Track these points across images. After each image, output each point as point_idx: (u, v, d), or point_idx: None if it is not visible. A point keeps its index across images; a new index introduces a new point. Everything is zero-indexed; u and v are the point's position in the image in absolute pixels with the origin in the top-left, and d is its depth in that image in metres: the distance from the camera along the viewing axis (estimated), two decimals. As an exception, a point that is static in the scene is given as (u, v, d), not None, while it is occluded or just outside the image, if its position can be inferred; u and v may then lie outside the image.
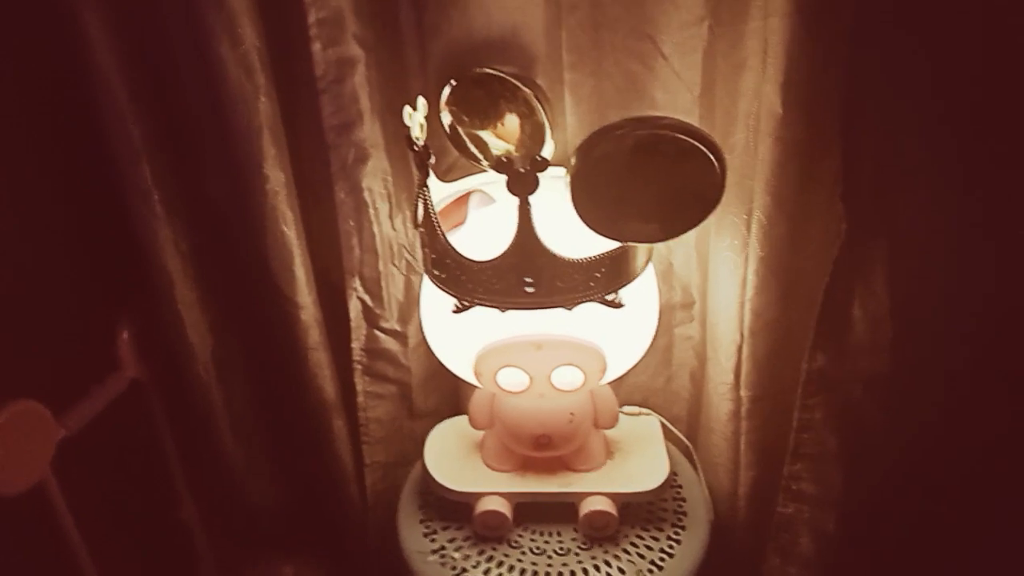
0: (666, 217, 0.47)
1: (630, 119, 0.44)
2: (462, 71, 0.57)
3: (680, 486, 0.66)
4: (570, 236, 0.49)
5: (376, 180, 0.65)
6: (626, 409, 0.67)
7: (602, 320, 0.52)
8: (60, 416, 0.64)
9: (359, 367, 0.73)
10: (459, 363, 0.56)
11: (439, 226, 0.50)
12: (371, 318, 0.71)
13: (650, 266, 0.56)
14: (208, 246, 0.70)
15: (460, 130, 0.58)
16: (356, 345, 0.72)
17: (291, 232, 0.65)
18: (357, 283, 0.69)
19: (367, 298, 0.70)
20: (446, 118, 0.57)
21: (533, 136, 0.57)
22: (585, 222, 0.47)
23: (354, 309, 0.70)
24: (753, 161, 0.52)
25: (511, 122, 0.57)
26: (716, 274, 0.60)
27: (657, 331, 0.63)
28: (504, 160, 0.45)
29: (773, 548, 0.64)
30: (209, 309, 0.72)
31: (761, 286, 0.54)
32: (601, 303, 0.51)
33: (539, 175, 0.45)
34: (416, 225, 0.53)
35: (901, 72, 0.45)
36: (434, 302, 0.55)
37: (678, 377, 0.73)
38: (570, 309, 0.50)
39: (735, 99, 0.52)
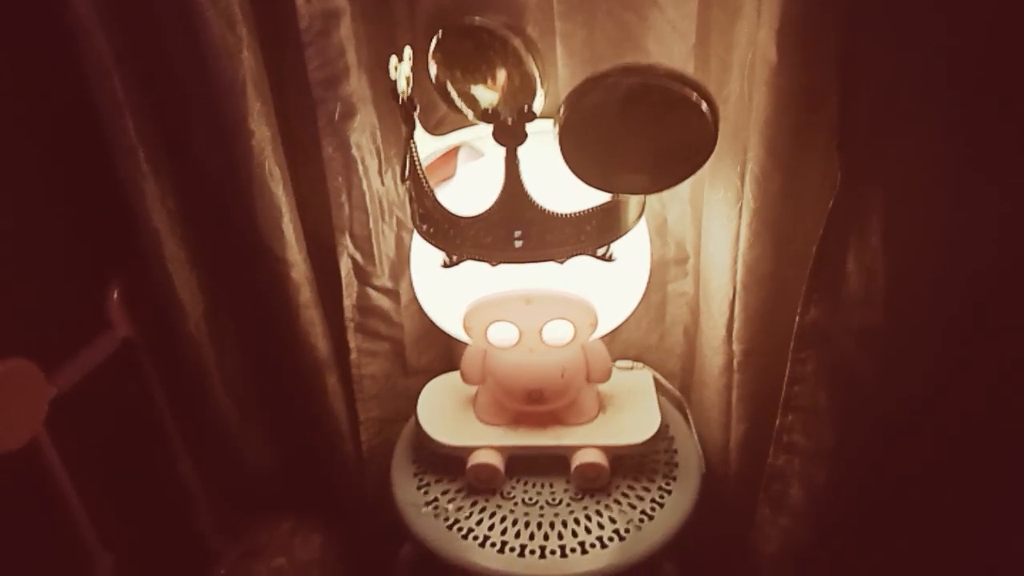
0: (657, 168, 0.46)
1: (620, 67, 0.43)
2: (449, 22, 0.56)
3: (672, 438, 0.67)
4: (560, 189, 0.48)
5: (364, 136, 0.64)
6: (619, 364, 0.68)
7: (593, 274, 0.52)
8: (52, 375, 0.64)
9: (351, 324, 0.73)
10: (449, 319, 0.56)
11: (426, 181, 0.49)
12: (362, 276, 0.71)
13: (643, 220, 0.55)
14: (196, 203, 0.69)
15: (448, 83, 0.57)
16: (348, 303, 0.71)
17: (279, 189, 0.64)
18: (347, 241, 0.69)
19: (358, 256, 0.70)
20: (433, 71, 0.56)
21: (523, 88, 0.56)
22: (575, 173, 0.46)
23: (345, 267, 0.70)
24: (748, 112, 0.51)
25: (500, 74, 0.56)
26: (709, 228, 0.59)
27: (651, 287, 0.62)
28: (491, 111, 0.44)
29: (764, 498, 0.65)
30: (199, 267, 0.72)
31: (754, 240, 0.53)
32: (592, 257, 0.50)
33: (527, 126, 0.44)
34: (404, 180, 0.52)
35: (900, 16, 0.44)
36: (424, 257, 0.54)
37: (672, 333, 0.73)
38: (561, 263, 0.50)
39: (730, 48, 0.51)
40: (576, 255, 0.50)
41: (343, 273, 0.70)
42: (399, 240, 0.71)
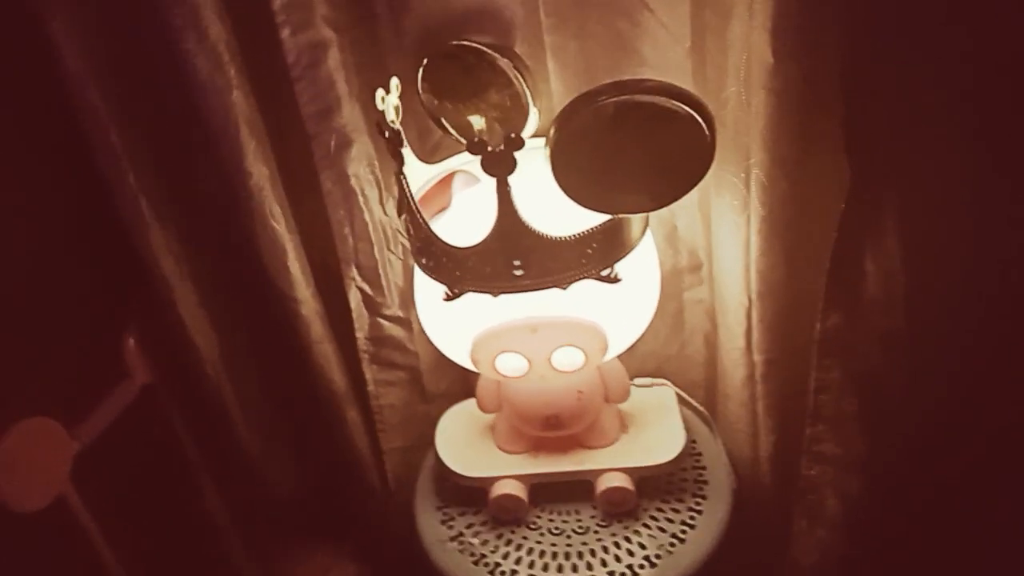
0: (655, 185, 0.44)
1: (609, 84, 0.42)
2: (436, 46, 0.55)
3: (700, 454, 0.65)
4: (558, 210, 0.46)
5: (362, 166, 0.63)
6: (638, 381, 0.65)
7: (600, 296, 0.50)
8: (74, 429, 0.65)
9: (366, 356, 0.72)
10: (456, 351, 0.54)
11: (420, 213, 0.48)
12: (372, 307, 0.70)
13: (648, 234, 0.53)
14: (202, 247, 0.69)
15: (438, 110, 0.56)
16: (360, 335, 0.71)
17: (281, 227, 0.64)
18: (354, 272, 0.68)
19: (366, 287, 0.69)
20: (424, 98, 0.55)
21: (514, 108, 0.55)
22: (570, 197, 0.44)
23: (354, 299, 0.69)
24: (747, 116, 0.48)
25: (490, 97, 0.55)
26: (719, 236, 0.57)
27: (666, 296, 0.60)
28: (477, 140, 0.42)
29: (800, 511, 0.62)
30: (210, 309, 0.72)
31: (765, 247, 0.51)
32: (596, 279, 0.49)
33: (516, 154, 0.43)
34: (400, 214, 0.51)
35: (907, 9, 0.41)
36: (427, 290, 0.53)
37: (692, 342, 0.71)
38: (564, 288, 0.48)
39: (725, 51, 0.49)
40: (579, 279, 0.48)
41: (353, 305, 0.69)
42: (407, 268, 0.70)
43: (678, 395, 0.66)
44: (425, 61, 0.54)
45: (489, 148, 0.42)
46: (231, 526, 0.83)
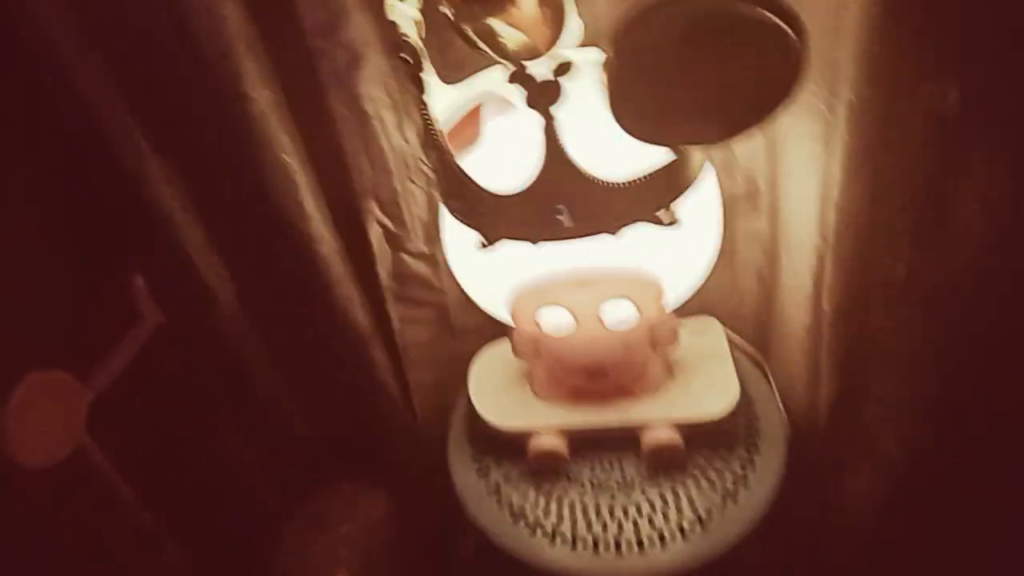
0: (730, 113, 0.37)
1: (678, -8, 0.33)
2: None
3: (752, 400, 0.60)
4: (607, 143, 0.39)
5: (377, 87, 0.56)
6: (685, 322, 0.60)
7: (654, 241, 0.43)
8: (86, 377, 0.61)
9: (390, 295, 0.67)
10: (493, 304, 0.49)
11: (449, 152, 0.41)
12: (395, 242, 0.64)
13: (708, 165, 0.46)
14: (204, 182, 0.62)
15: (463, 20, 0.47)
16: (383, 273, 0.66)
17: (292, 159, 0.57)
18: (373, 206, 0.62)
19: (387, 221, 0.63)
20: (447, 7, 0.46)
21: (554, 16, 0.46)
22: (629, 132, 0.37)
23: (375, 235, 0.63)
24: (838, 23, 0.40)
25: (525, 2, 0.46)
26: (790, 167, 0.50)
27: None
28: (518, 70, 0.35)
29: (858, 455, 0.58)
30: (220, 248, 0.67)
31: (851, 183, 0.44)
32: (652, 223, 0.42)
33: (563, 81, 0.35)
34: (424, 149, 0.44)
35: None
36: (456, 234, 0.47)
37: (743, 276, 0.65)
38: (614, 234, 0.42)
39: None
40: (633, 224, 0.41)
41: (374, 242, 0.64)
42: (431, 199, 0.64)
43: (729, 337, 0.60)
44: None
45: (534, 78, 0.35)
46: (255, 463, 0.81)
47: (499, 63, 0.48)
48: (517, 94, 0.38)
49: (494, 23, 0.47)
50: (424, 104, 0.41)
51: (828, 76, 0.42)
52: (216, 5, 0.49)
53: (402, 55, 0.40)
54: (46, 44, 0.52)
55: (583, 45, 0.47)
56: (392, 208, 0.62)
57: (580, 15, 0.47)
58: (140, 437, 0.69)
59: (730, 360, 0.58)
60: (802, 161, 0.48)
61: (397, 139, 0.59)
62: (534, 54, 0.45)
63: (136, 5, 0.52)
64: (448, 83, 0.50)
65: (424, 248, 0.66)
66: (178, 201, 0.62)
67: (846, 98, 0.41)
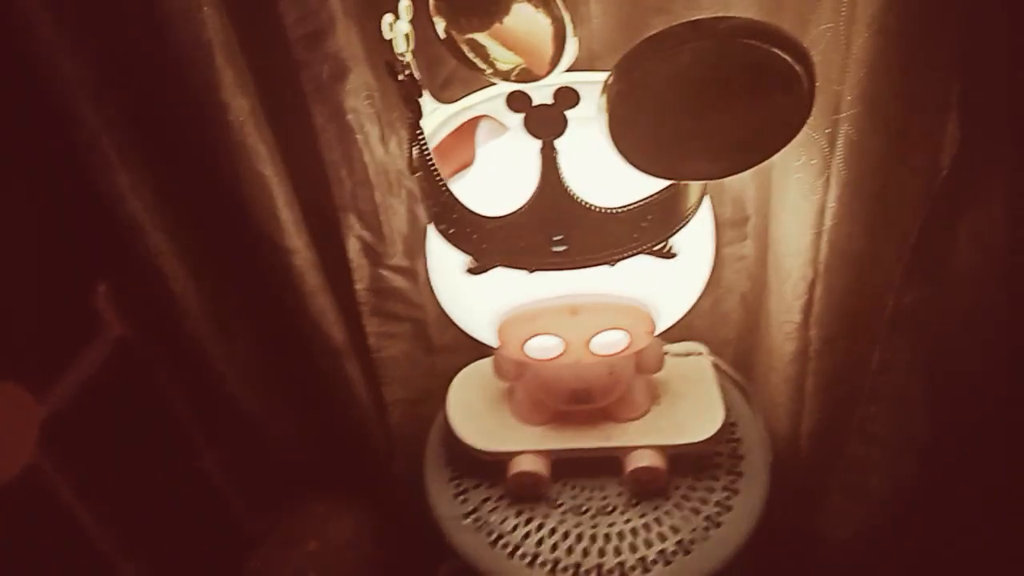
0: (734, 149, 0.36)
1: (684, 25, 0.33)
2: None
3: (735, 426, 0.60)
4: (605, 173, 0.38)
5: (359, 99, 0.54)
6: (673, 348, 0.59)
7: (649, 271, 0.43)
8: (42, 391, 0.58)
9: (366, 308, 0.65)
10: (479, 328, 0.47)
11: (441, 178, 0.39)
12: (373, 256, 0.62)
13: (706, 198, 0.46)
14: (176, 191, 0.60)
15: (455, 36, 0.46)
16: (360, 286, 0.64)
17: (268, 171, 0.55)
18: (353, 220, 0.60)
19: (366, 235, 0.61)
20: (439, 23, 0.45)
21: (555, 38, 0.45)
22: (629, 163, 0.36)
23: (353, 248, 0.61)
24: (843, 60, 0.39)
25: (521, 22, 0.45)
26: (783, 196, 0.49)
27: None
28: (517, 95, 0.34)
29: (839, 487, 0.58)
30: (189, 259, 0.64)
31: (845, 214, 0.44)
32: (650, 254, 0.41)
33: (571, 114, 0.34)
34: (412, 171, 0.42)
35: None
36: (442, 257, 0.45)
37: (726, 299, 0.64)
38: (612, 265, 0.41)
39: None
40: (630, 255, 0.41)
41: (352, 255, 0.62)
42: (411, 214, 0.62)
43: (714, 362, 0.60)
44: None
45: (536, 107, 0.33)
46: (227, 479, 0.78)
47: (492, 83, 0.47)
48: (513, 117, 0.37)
49: (487, 42, 0.46)
50: (419, 128, 0.39)
51: (828, 110, 0.42)
52: (193, 8, 0.47)
53: (401, 78, 0.39)
54: (17, 44, 0.49)
55: (576, 67, 0.46)
56: (372, 221, 0.60)
57: (575, 34, 0.46)
58: (100, 454, 0.66)
59: (716, 385, 0.58)
60: (796, 191, 0.48)
61: (379, 152, 0.57)
62: (531, 78, 0.44)
63: (113, 7, 0.49)
64: (440, 101, 0.48)
65: (403, 262, 0.64)
66: (146, 212, 0.60)
67: (845, 132, 0.41)
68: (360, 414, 0.72)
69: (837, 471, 0.57)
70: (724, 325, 0.66)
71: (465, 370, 0.62)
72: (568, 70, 0.47)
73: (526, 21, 0.45)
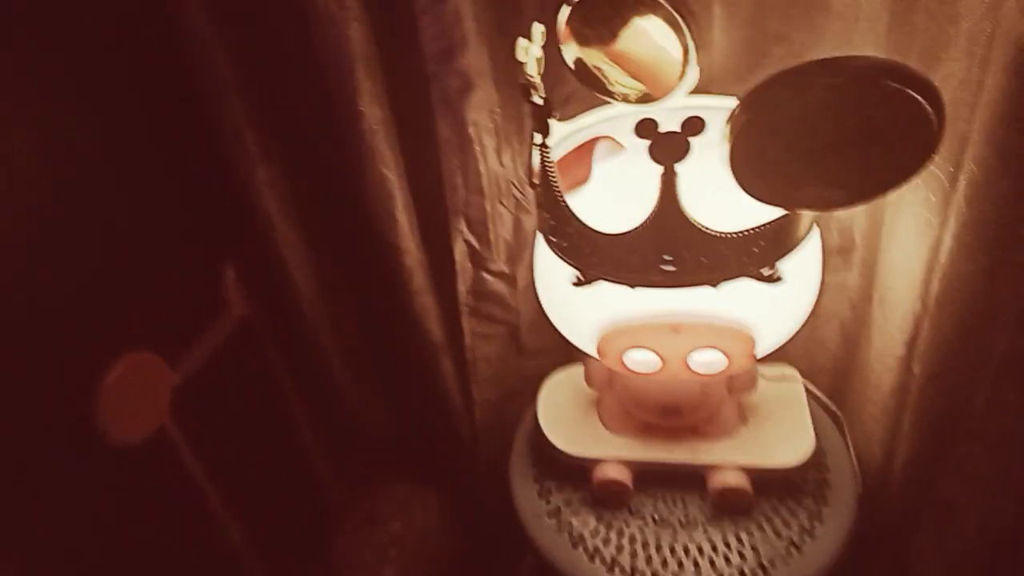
0: (855, 181, 0.37)
1: (815, 63, 0.34)
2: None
3: (824, 453, 0.59)
4: (723, 193, 0.40)
5: (483, 113, 0.57)
6: (766, 371, 0.60)
7: (753, 295, 0.44)
8: (174, 361, 0.64)
9: (466, 309, 0.69)
10: (581, 338, 0.50)
11: (561, 194, 0.42)
12: (477, 260, 0.66)
13: (815, 227, 0.46)
14: (306, 187, 0.65)
15: (582, 60, 0.48)
16: (462, 288, 0.67)
17: (392, 174, 0.59)
18: (462, 225, 0.63)
19: (473, 240, 0.64)
20: (567, 49, 0.47)
21: (683, 60, 0.47)
22: (746, 191, 0.37)
23: (459, 251, 0.65)
24: (974, 99, 0.40)
25: (646, 49, 0.47)
26: (896, 229, 0.49)
27: None
28: (645, 123, 0.36)
29: (931, 524, 0.57)
30: (313, 249, 0.69)
31: (962, 254, 0.43)
32: (755, 278, 0.42)
33: (691, 140, 0.36)
34: (532, 184, 0.45)
35: None
36: (551, 267, 0.48)
37: (825, 326, 0.64)
38: (715, 286, 0.42)
39: (955, 14, 0.40)
40: (736, 278, 0.42)
41: (457, 258, 0.65)
42: (517, 222, 0.65)
43: (806, 387, 0.60)
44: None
45: (662, 133, 0.35)
46: (323, 456, 0.83)
47: (613, 101, 0.49)
48: (633, 139, 0.39)
49: (611, 68, 0.48)
50: (546, 147, 0.42)
51: (954, 148, 0.42)
52: (342, 21, 0.51)
53: (533, 100, 0.41)
54: (180, 46, 0.55)
55: (697, 91, 0.48)
56: (479, 228, 0.64)
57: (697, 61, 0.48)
58: (216, 420, 0.72)
59: (806, 410, 0.58)
60: (911, 225, 0.48)
61: (494, 163, 0.60)
62: (650, 100, 0.46)
63: (263, 9, 0.54)
64: (560, 118, 0.51)
65: (505, 268, 0.67)
66: (279, 203, 0.65)
67: (969, 171, 0.41)
68: (450, 408, 0.76)
69: (929, 509, 0.56)
70: (820, 352, 0.66)
71: (556, 374, 0.65)
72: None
73: (652, 47, 0.47)
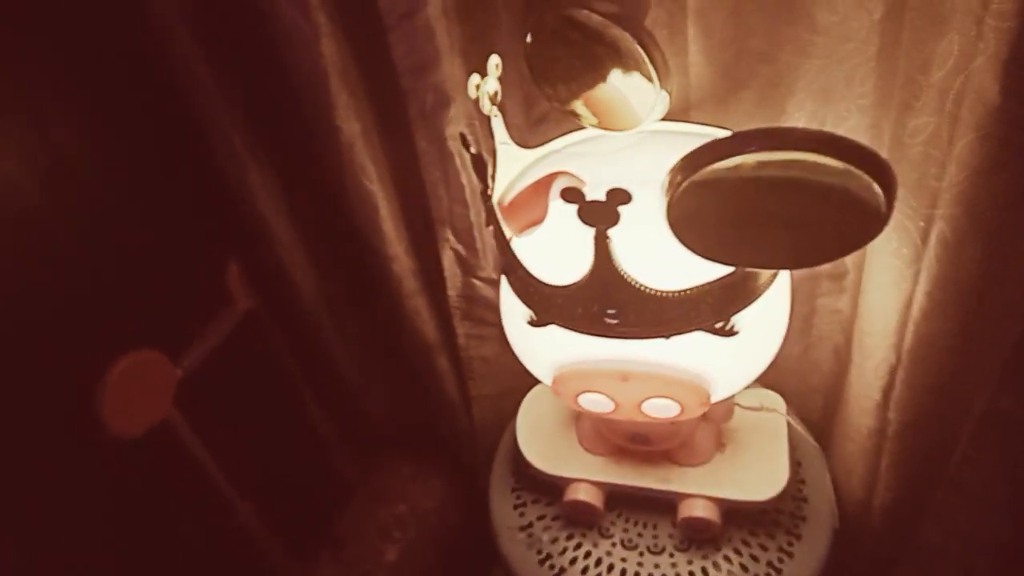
0: (801, 249, 0.35)
1: (754, 133, 0.31)
2: (545, 13, 0.44)
3: (803, 483, 0.58)
4: (669, 253, 0.38)
5: (460, 126, 0.56)
6: (748, 398, 0.58)
7: (707, 346, 0.42)
8: (178, 355, 0.67)
9: (457, 312, 0.69)
10: (539, 372, 0.49)
11: (507, 242, 0.41)
12: (466, 268, 0.66)
13: (783, 274, 0.44)
14: (295, 190, 0.66)
15: (544, 88, 0.46)
16: (452, 293, 0.67)
17: (374, 186, 0.59)
18: (449, 233, 0.63)
19: (460, 248, 0.64)
20: (537, 80, 0.46)
21: (636, 93, 0.44)
22: (687, 247, 0.36)
23: (448, 259, 0.65)
24: (944, 157, 0.36)
25: (612, 80, 0.44)
26: (874, 275, 0.46)
27: (798, 300, 0.52)
28: (571, 189, 0.34)
29: (909, 566, 0.55)
30: (306, 248, 0.70)
31: (934, 311, 0.41)
32: (707, 331, 0.41)
33: (620, 208, 0.34)
34: (487, 223, 0.44)
35: None
36: (511, 302, 0.47)
37: (819, 348, 0.62)
38: (667, 339, 0.41)
39: (927, 66, 0.36)
40: (686, 332, 0.40)
41: (446, 265, 0.65)
42: (504, 232, 0.64)
43: (788, 421, 0.58)
44: (528, 37, 0.44)
45: (588, 201, 0.34)
46: (333, 439, 0.87)
47: (584, 125, 0.47)
48: (588, 159, 0.38)
49: (573, 102, 0.46)
50: (488, 196, 0.41)
51: (924, 202, 0.39)
52: (313, 38, 0.51)
53: (473, 152, 0.40)
54: (169, 60, 0.56)
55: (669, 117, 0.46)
56: (466, 236, 0.63)
57: (668, 90, 0.45)
58: (224, 410, 0.76)
59: (785, 443, 0.56)
60: (887, 275, 0.45)
61: (475, 175, 0.59)
62: (620, 128, 0.44)
63: (238, 27, 0.54)
64: (534, 135, 0.50)
65: (494, 275, 0.66)
66: (271, 203, 0.66)
67: (940, 230, 0.38)
68: (448, 403, 0.77)
69: (908, 552, 0.54)
70: (814, 373, 0.63)
71: (538, 388, 0.65)
72: (663, 119, 0.46)
73: (617, 80, 0.45)
